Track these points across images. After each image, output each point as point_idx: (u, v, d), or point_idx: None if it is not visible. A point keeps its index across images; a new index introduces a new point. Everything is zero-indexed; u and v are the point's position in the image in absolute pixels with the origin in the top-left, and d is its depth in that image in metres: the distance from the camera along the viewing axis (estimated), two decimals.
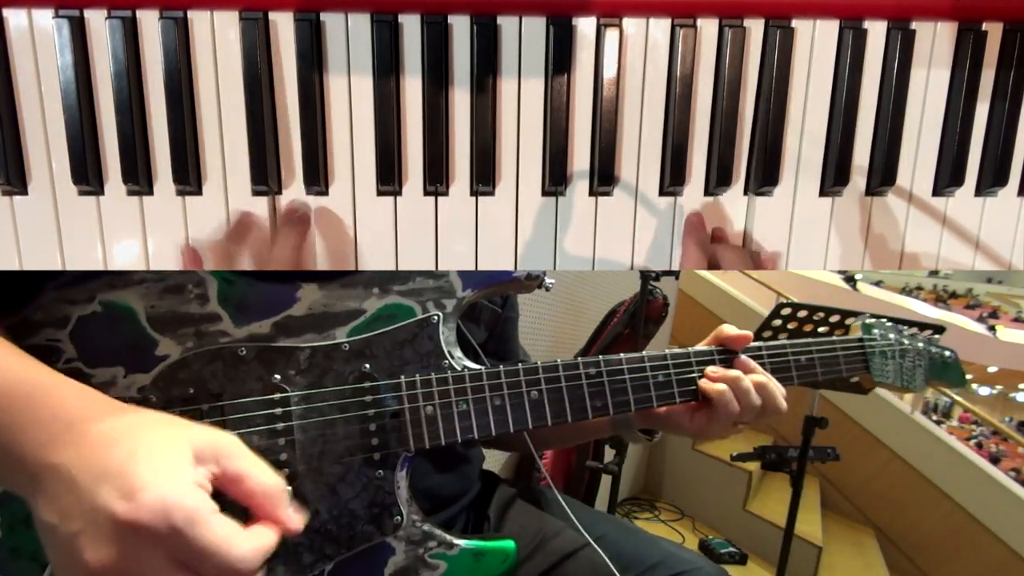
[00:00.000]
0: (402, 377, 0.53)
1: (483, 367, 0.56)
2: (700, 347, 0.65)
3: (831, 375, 0.71)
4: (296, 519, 0.40)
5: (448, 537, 0.53)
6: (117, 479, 0.33)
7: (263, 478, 0.39)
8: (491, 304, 0.78)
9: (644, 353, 0.61)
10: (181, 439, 0.36)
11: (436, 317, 0.56)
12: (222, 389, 0.50)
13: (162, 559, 0.33)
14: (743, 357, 0.64)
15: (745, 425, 0.63)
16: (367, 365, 0.53)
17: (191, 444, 0.36)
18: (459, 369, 0.55)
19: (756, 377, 0.62)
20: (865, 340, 0.75)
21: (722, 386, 0.61)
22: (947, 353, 0.83)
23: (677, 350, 0.63)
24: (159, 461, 0.34)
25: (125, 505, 0.32)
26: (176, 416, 0.40)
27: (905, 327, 0.82)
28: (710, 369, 0.63)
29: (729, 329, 0.65)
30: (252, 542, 0.36)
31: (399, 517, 0.52)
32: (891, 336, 0.78)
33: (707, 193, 0.64)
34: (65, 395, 0.39)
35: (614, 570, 0.65)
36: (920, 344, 0.81)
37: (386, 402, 0.52)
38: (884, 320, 0.80)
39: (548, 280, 0.61)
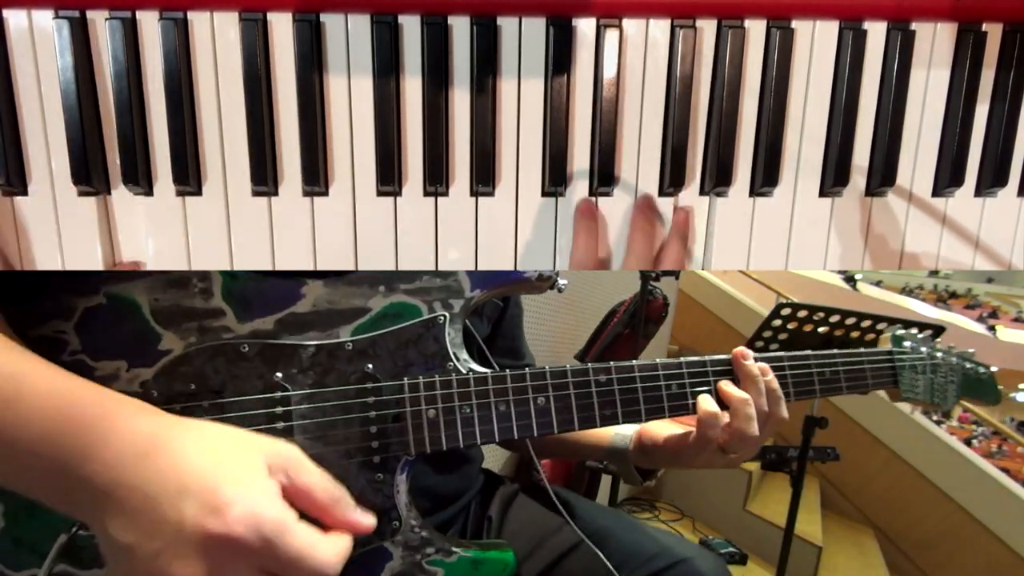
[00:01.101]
0: (405, 379, 0.53)
1: (489, 371, 0.55)
2: (717, 356, 0.62)
3: (857, 389, 0.67)
4: (367, 519, 0.41)
5: (446, 544, 0.52)
6: (200, 495, 0.33)
7: (329, 487, 0.40)
8: (494, 299, 0.78)
9: (658, 360, 0.59)
10: (253, 451, 0.37)
11: (442, 318, 0.55)
12: (223, 386, 0.50)
13: (250, 569, 0.34)
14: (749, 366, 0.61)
15: (737, 457, 0.61)
16: (370, 365, 0.53)
17: (263, 456, 0.37)
18: (464, 372, 0.54)
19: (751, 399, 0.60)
20: (895, 353, 0.71)
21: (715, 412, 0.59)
22: (981, 370, 0.79)
23: (693, 358, 0.61)
24: (239, 474, 0.35)
25: (215, 520, 0.33)
26: (236, 427, 0.40)
27: (938, 340, 0.78)
28: (724, 382, 0.60)
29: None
30: (333, 547, 0.37)
31: (397, 522, 0.52)
32: (923, 349, 0.74)
33: (707, 193, 0.64)
34: (120, 410, 0.39)
35: (611, 568, 0.65)
36: (953, 359, 0.77)
37: (388, 404, 0.52)
38: (915, 332, 0.76)
39: (561, 281, 0.59)
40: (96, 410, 0.38)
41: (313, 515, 0.39)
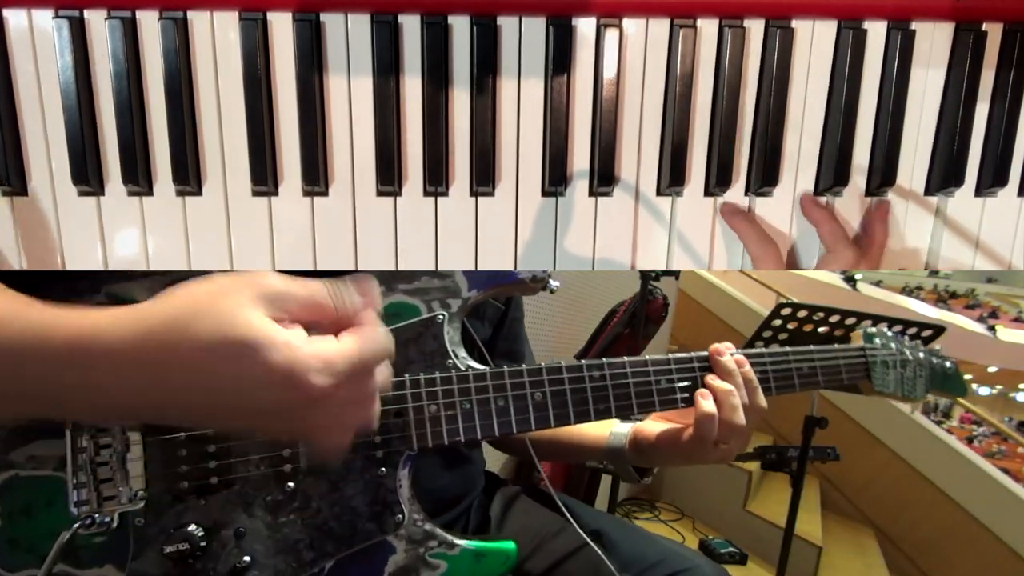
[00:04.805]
0: (406, 376, 0.53)
1: (487, 367, 0.56)
2: (702, 353, 0.64)
3: (833, 383, 0.71)
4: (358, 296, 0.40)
5: (449, 537, 0.53)
6: (272, 386, 0.35)
7: (315, 298, 0.39)
8: (495, 301, 0.78)
9: (647, 357, 0.60)
10: (247, 309, 0.36)
11: (441, 317, 0.56)
12: None
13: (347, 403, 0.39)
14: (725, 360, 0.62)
15: (727, 448, 0.62)
16: None
17: (256, 308, 0.36)
18: (463, 369, 0.55)
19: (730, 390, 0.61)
20: (867, 349, 0.75)
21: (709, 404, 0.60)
22: (948, 364, 0.83)
23: (681, 355, 0.63)
24: (276, 339, 0.35)
25: (297, 393, 0.36)
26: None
27: (906, 336, 0.82)
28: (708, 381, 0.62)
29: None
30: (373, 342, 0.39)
31: (400, 515, 0.52)
32: (892, 345, 0.78)
33: (707, 193, 0.64)
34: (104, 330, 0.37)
35: (613, 570, 0.65)
36: (921, 354, 0.80)
37: (390, 400, 0.52)
38: (885, 329, 0.80)
39: (553, 282, 0.60)
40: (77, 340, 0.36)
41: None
